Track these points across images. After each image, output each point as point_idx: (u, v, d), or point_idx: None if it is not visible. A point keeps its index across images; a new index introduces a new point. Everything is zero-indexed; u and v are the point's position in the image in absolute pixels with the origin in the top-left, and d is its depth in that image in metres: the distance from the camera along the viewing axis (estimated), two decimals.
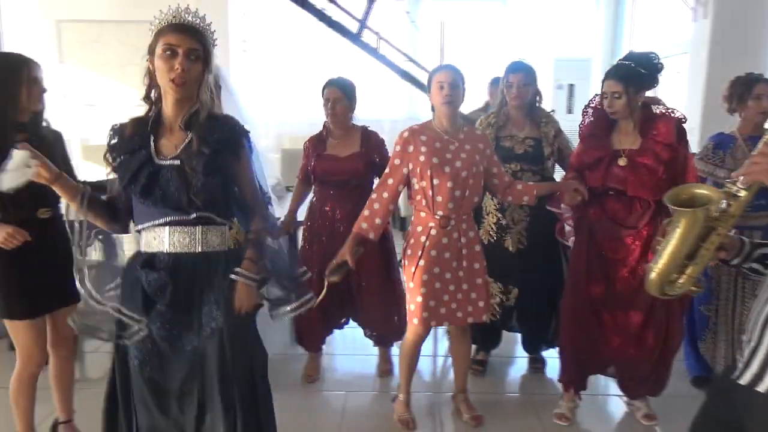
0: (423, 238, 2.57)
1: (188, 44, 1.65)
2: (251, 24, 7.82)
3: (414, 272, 2.57)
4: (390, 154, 2.69)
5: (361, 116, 3.18)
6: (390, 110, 7.72)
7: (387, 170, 2.60)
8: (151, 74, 1.72)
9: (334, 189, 3.07)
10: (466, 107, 3.40)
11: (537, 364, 3.38)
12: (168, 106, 1.73)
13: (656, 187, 2.49)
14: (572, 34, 8.49)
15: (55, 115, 2.50)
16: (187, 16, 1.69)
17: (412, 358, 2.74)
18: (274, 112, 7.44)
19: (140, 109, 1.82)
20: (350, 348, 3.35)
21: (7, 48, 3.73)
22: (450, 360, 3.19)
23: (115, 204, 1.82)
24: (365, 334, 3.31)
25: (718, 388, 1.57)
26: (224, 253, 1.80)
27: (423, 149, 2.52)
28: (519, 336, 3.41)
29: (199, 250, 1.75)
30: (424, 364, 3.00)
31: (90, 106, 6.75)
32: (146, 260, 1.76)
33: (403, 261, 2.67)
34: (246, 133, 1.83)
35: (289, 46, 7.76)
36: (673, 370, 3.11)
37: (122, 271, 1.81)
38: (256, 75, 7.81)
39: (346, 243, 2.53)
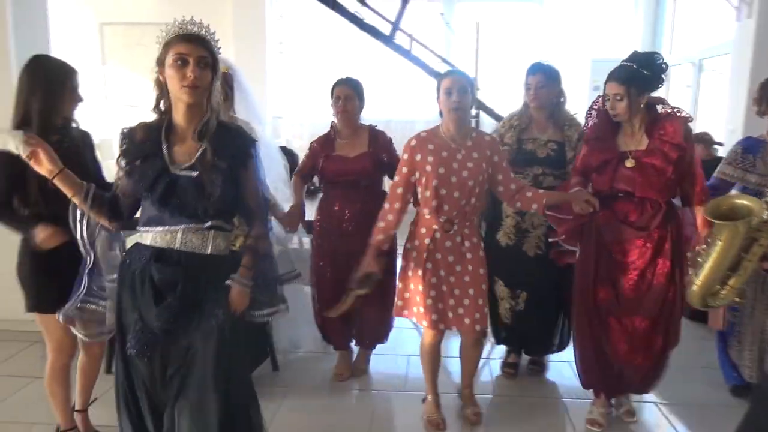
0: (427, 240, 2.57)
1: (198, 52, 1.73)
2: (287, 26, 7.93)
3: (420, 275, 2.57)
4: (399, 154, 2.70)
5: (395, 117, 3.20)
6: (423, 111, 7.70)
7: (396, 178, 2.61)
8: (161, 85, 1.79)
9: (342, 189, 3.07)
10: (503, 110, 3.38)
11: (535, 366, 3.33)
12: (179, 115, 1.80)
13: (665, 187, 2.47)
14: (610, 34, 8.33)
15: (98, 115, 2.58)
16: (192, 27, 1.77)
17: (431, 360, 2.74)
18: (308, 111, 7.53)
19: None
20: (380, 347, 3.35)
21: (55, 50, 3.84)
22: (482, 362, 3.18)
23: (117, 202, 1.89)
24: (351, 333, 3.29)
25: (760, 396, 1.53)
26: (227, 256, 1.89)
27: (430, 158, 2.52)
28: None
29: (208, 252, 1.84)
30: (455, 366, 2.98)
31: (131, 107, 6.92)
32: (156, 254, 1.82)
33: (404, 261, 2.67)
34: (254, 142, 1.93)
35: (324, 48, 7.84)
36: (709, 379, 3.06)
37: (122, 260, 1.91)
38: (291, 75, 7.92)
39: (367, 255, 2.56)
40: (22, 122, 2.18)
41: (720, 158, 3.17)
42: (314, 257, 3.16)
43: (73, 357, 2.43)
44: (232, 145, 1.84)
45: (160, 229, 1.81)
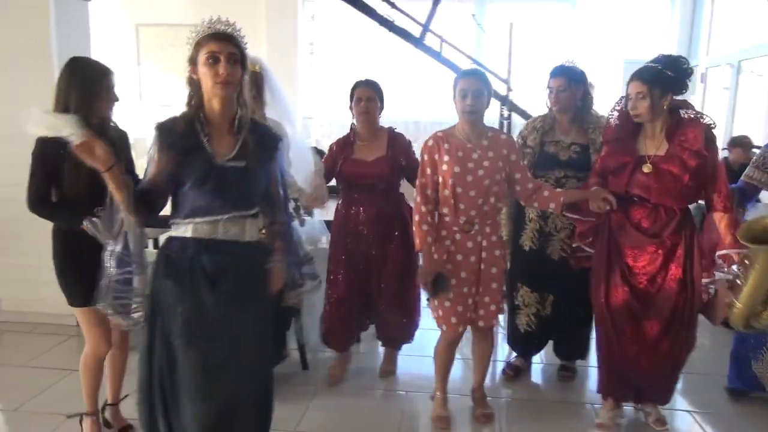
0: (448, 242, 2.57)
1: (228, 49, 1.81)
2: (318, 27, 8.00)
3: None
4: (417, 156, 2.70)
5: (424, 118, 3.19)
6: (451, 112, 7.69)
7: (423, 179, 2.60)
8: (193, 83, 1.86)
9: (359, 192, 3.07)
10: (535, 111, 3.34)
11: (567, 372, 3.28)
12: (214, 110, 1.87)
13: (681, 194, 2.42)
14: (643, 34, 8.19)
15: (132, 115, 2.64)
16: (221, 25, 1.83)
17: (445, 359, 2.78)
18: (338, 112, 7.58)
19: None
20: (408, 348, 3.35)
21: (93, 51, 3.94)
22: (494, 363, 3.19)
23: (149, 197, 1.88)
24: (376, 335, 3.34)
25: None
26: (256, 243, 1.99)
27: (446, 158, 2.52)
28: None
29: (246, 239, 1.94)
30: (466, 367, 2.99)
31: (165, 106, 7.03)
32: (204, 245, 1.88)
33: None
34: (280, 139, 2.04)
35: (355, 49, 7.88)
36: (718, 386, 3.00)
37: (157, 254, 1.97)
38: (322, 76, 7.99)
39: (424, 260, 2.57)
40: None
41: None
42: (329, 258, 3.18)
43: (107, 351, 2.49)
44: (262, 139, 1.94)
45: (201, 219, 1.87)
